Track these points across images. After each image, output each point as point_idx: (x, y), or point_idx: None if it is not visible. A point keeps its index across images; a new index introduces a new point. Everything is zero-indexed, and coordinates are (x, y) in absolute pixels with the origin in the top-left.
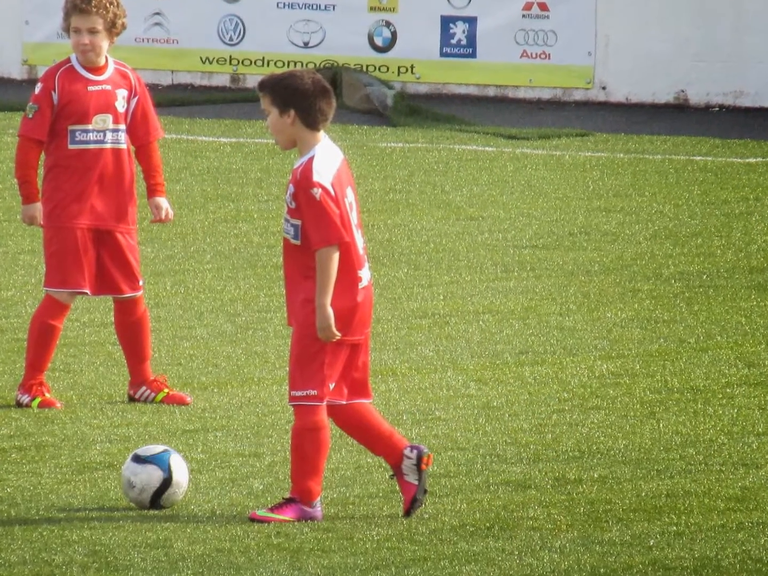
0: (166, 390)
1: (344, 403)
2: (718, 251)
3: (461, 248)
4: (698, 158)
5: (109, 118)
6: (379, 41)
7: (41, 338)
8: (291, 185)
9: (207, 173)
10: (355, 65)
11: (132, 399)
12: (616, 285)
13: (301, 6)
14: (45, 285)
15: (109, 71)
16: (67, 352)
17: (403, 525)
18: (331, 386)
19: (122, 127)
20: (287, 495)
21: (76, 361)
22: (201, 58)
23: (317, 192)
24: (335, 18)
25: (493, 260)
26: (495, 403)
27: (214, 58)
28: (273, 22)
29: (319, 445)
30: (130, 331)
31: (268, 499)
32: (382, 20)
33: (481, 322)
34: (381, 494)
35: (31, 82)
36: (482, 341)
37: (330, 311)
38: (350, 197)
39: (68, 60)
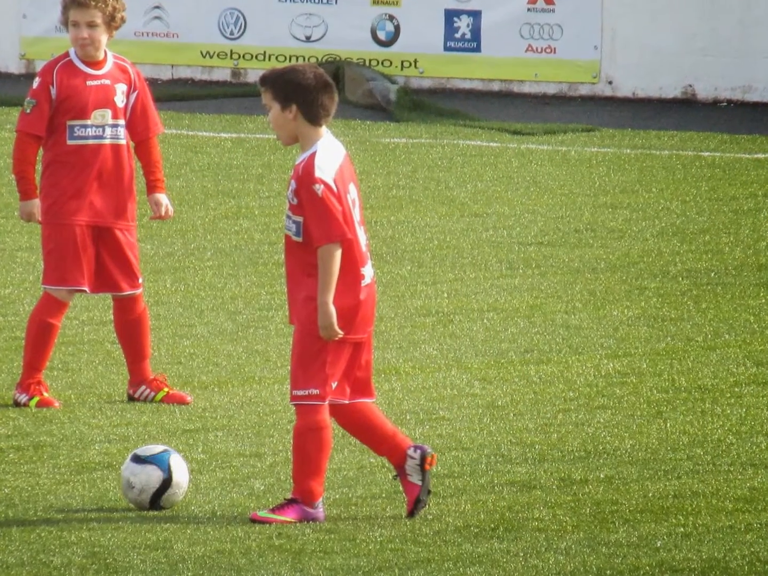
0: (165, 389)
1: (347, 402)
2: (726, 248)
3: (465, 245)
4: (706, 154)
5: (108, 113)
6: (382, 35)
7: (39, 336)
8: (293, 181)
9: (207, 169)
10: (357, 60)
11: (131, 398)
12: (623, 282)
13: None
14: (43, 282)
15: (108, 65)
16: (66, 350)
17: (407, 526)
18: (334, 385)
19: (121, 122)
20: (289, 496)
21: (75, 360)
22: (201, 53)
23: (319, 188)
24: (337, 11)
25: (497, 257)
26: (500, 403)
27: (214, 53)
28: (274, 16)
29: (321, 445)
30: (130, 329)
31: (270, 499)
32: (385, 14)
33: (485, 320)
34: (384, 495)
35: (29, 76)
36: (487, 340)
37: (332, 309)
38: (353, 193)
39: (67, 54)
